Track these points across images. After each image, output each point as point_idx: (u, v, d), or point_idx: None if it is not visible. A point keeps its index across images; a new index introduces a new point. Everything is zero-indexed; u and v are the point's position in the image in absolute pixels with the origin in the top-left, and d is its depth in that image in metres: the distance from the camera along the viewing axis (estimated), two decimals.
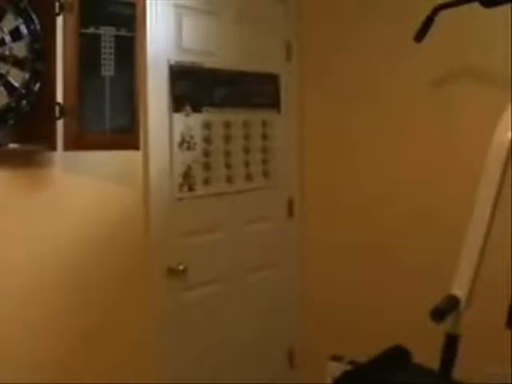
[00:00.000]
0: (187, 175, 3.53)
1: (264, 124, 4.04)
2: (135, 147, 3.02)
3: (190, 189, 3.55)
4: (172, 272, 3.44)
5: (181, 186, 3.50)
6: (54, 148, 2.79)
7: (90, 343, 3.09)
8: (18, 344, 2.81)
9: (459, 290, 2.50)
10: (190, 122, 3.53)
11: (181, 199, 3.50)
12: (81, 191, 3.01)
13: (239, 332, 3.91)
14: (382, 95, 3.90)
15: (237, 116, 3.84)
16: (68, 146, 2.84)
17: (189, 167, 3.54)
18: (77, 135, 2.84)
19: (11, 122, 2.66)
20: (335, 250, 4.11)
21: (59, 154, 2.87)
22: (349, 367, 3.02)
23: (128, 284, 3.25)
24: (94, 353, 3.11)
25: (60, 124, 2.81)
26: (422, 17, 3.20)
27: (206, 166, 3.65)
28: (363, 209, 4.01)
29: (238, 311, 3.90)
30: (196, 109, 3.57)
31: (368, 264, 3.97)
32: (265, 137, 4.05)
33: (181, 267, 3.45)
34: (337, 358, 3.14)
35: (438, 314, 2.41)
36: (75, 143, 2.85)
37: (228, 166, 3.80)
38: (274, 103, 4.11)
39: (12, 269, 2.77)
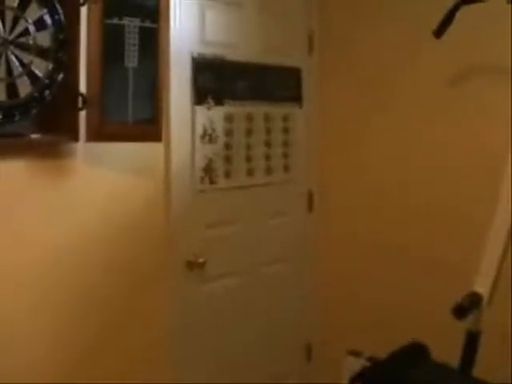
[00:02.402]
0: (208, 168, 3.52)
1: (285, 118, 4.02)
2: (157, 139, 3.03)
3: (211, 181, 3.55)
4: (191, 264, 3.44)
5: (202, 178, 3.49)
6: (76, 139, 2.79)
7: (109, 337, 3.11)
8: (33, 340, 2.82)
9: (482, 288, 2.48)
10: (212, 115, 3.52)
11: (202, 191, 3.50)
12: (102, 183, 3.01)
13: (257, 325, 3.91)
14: (402, 88, 3.84)
15: (258, 109, 3.83)
16: (90, 137, 2.84)
17: (210, 160, 3.53)
18: (99, 126, 2.85)
19: (34, 112, 2.66)
20: (354, 244, 4.08)
21: (81, 145, 2.87)
22: (367, 363, 2.99)
23: (148, 276, 3.25)
24: (113, 347, 3.12)
25: (82, 115, 2.82)
26: (443, 12, 3.17)
27: (227, 159, 3.64)
28: (383, 203, 3.97)
29: (255, 304, 3.89)
30: (218, 101, 3.56)
31: (387, 259, 3.93)
32: (286, 130, 4.03)
33: (200, 260, 3.44)
34: (355, 354, 3.12)
35: (461, 311, 2.40)
36: (97, 134, 2.85)
37: (249, 159, 3.79)
38: (295, 97, 4.09)
39: (32, 260, 2.78)
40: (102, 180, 3.01)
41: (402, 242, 3.85)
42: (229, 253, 3.69)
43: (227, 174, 3.64)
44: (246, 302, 3.83)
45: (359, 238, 4.07)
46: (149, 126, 2.96)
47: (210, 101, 3.50)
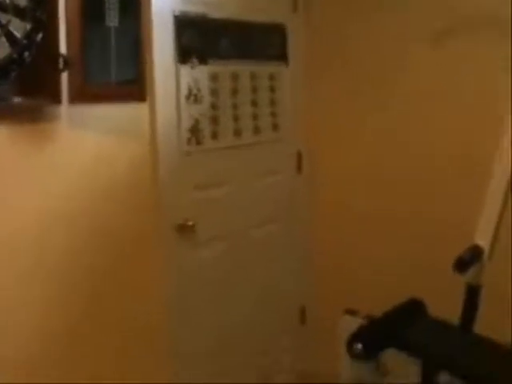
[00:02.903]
0: (195, 128, 3.44)
1: (271, 76, 3.94)
2: (141, 99, 2.95)
3: (198, 142, 3.46)
4: (181, 227, 3.37)
5: (189, 139, 3.41)
6: (58, 101, 2.70)
7: (100, 305, 3.04)
8: (24, 307, 2.75)
9: (482, 241, 2.42)
10: (196, 75, 3.43)
11: (189, 153, 3.42)
12: (87, 145, 2.92)
13: (250, 289, 3.86)
14: (389, 45, 3.77)
15: (244, 68, 3.74)
16: (73, 99, 2.75)
17: (196, 120, 3.44)
18: (81, 88, 2.76)
19: (13, 74, 2.55)
20: (345, 205, 4.03)
21: (64, 108, 2.77)
22: (364, 322, 2.94)
23: (137, 240, 3.17)
24: (104, 314, 3.06)
25: (64, 76, 2.72)
26: None
27: (214, 120, 3.56)
28: (373, 165, 3.92)
29: (248, 267, 3.84)
30: (202, 60, 3.46)
31: (380, 219, 3.90)
32: (272, 89, 3.95)
33: (190, 223, 3.38)
34: (351, 312, 3.07)
35: (462, 264, 2.35)
36: (80, 96, 2.77)
37: (236, 118, 3.71)
38: (281, 55, 4.00)
39: (17, 227, 2.69)
40: (87, 143, 2.91)
41: (394, 203, 3.81)
42: (219, 215, 3.62)
43: (214, 135, 3.56)
44: (239, 265, 3.78)
45: (349, 200, 4.02)
46: (132, 86, 2.89)
47: (194, 60, 3.41)
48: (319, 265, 4.19)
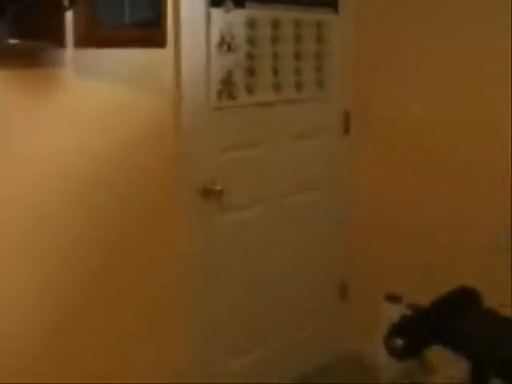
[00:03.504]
0: (227, 81, 3.05)
1: (319, 25, 3.52)
2: (161, 44, 2.56)
3: (231, 97, 3.08)
4: (207, 192, 3.02)
5: (219, 93, 3.03)
6: (62, 44, 2.34)
7: (118, 275, 2.74)
8: (34, 263, 2.45)
9: None
10: (231, 20, 3.03)
11: (219, 108, 3.04)
12: (96, 96, 2.55)
13: (285, 260, 3.51)
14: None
15: (287, 14, 3.33)
16: (79, 43, 2.40)
17: (229, 72, 3.06)
18: (90, 29, 2.41)
19: (10, 12, 2.21)
20: (395, 171, 3.66)
21: (70, 53, 2.42)
22: (407, 311, 2.58)
23: (157, 207, 2.85)
24: (124, 284, 2.76)
25: (69, 16, 2.35)
26: None
27: (250, 72, 3.17)
28: (427, 125, 3.52)
29: (282, 237, 3.48)
30: (238, 3, 3.06)
31: (431, 187, 3.52)
32: (319, 40, 3.53)
33: (218, 187, 3.01)
34: (393, 299, 2.70)
35: None
36: (88, 39, 2.41)
37: (275, 72, 3.31)
38: (330, 1, 3.56)
39: (20, 189, 2.37)
40: (96, 92, 2.55)
41: (448, 168, 3.46)
42: (252, 179, 3.27)
43: (249, 89, 3.18)
44: (272, 234, 3.43)
45: (400, 165, 3.64)
46: (150, 28, 2.50)
47: (229, 2, 3.00)
48: (362, 237, 3.81)
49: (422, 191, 3.55)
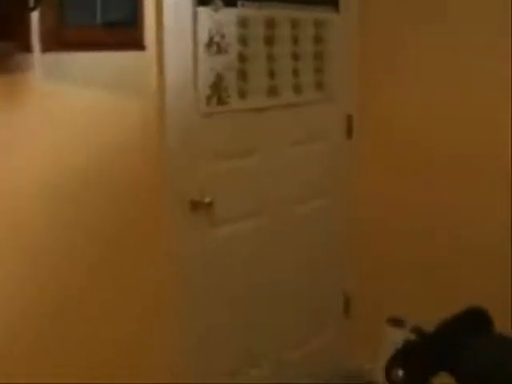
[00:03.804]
0: (217, 85, 2.84)
1: (318, 24, 3.31)
2: (138, 47, 2.34)
3: (221, 102, 2.87)
4: (196, 205, 2.80)
5: (208, 98, 2.81)
6: (28, 48, 2.13)
7: (99, 297, 2.52)
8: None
9: None
10: (220, 19, 2.82)
11: (208, 115, 2.83)
12: (72, 104, 2.33)
13: (284, 274, 3.31)
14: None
15: (283, 12, 3.11)
16: (47, 46, 2.19)
17: (219, 75, 2.84)
18: (57, 31, 2.20)
19: None
20: (402, 177, 3.47)
21: (38, 57, 2.20)
22: (411, 335, 2.36)
23: (141, 222, 2.63)
24: (105, 311, 2.54)
25: (35, 17, 2.14)
26: None
27: (242, 74, 2.96)
28: (433, 128, 3.35)
29: (280, 250, 3.27)
30: (229, 1, 2.85)
31: (439, 195, 3.34)
32: (318, 40, 3.33)
33: (206, 199, 2.80)
34: (396, 323, 2.48)
35: None
36: (56, 42, 2.21)
37: (271, 74, 3.10)
38: None
39: None
40: (71, 100, 2.33)
41: (456, 174, 3.30)
42: (245, 190, 3.06)
43: (242, 93, 2.97)
44: (270, 247, 3.22)
45: (407, 171, 3.45)
46: (126, 29, 2.28)
47: (218, 1, 2.78)
48: (365, 248, 3.62)
49: (429, 198, 3.37)
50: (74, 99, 2.35)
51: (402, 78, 3.40)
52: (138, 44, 2.33)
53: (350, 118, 3.52)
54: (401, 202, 3.45)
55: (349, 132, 3.53)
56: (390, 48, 3.41)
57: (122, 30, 2.27)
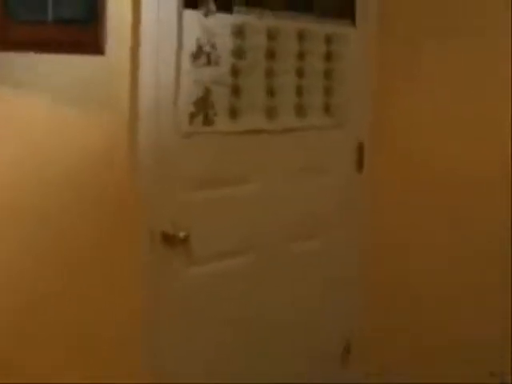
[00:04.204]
0: (203, 101, 2.47)
1: (329, 39, 2.95)
2: (95, 50, 1.97)
3: (207, 121, 2.49)
4: (169, 239, 2.42)
5: (192, 116, 2.44)
6: None
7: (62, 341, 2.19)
8: None
9: None
10: (211, 26, 2.45)
11: (189, 135, 2.46)
12: (21, 116, 1.99)
13: (276, 319, 2.91)
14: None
15: (287, 23, 2.75)
16: None
17: (207, 90, 2.47)
18: (2, 28, 1.81)
19: None
20: (413, 216, 3.13)
21: None
22: None
23: (105, 258, 2.28)
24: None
25: None
26: None
27: (235, 91, 2.59)
28: (457, 160, 3.00)
29: (267, 294, 2.87)
30: (224, 6, 2.48)
31: (452, 242, 3.03)
32: (329, 57, 2.96)
33: (181, 233, 2.42)
34: None
35: None
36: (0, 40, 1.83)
37: (270, 92, 2.73)
38: (346, 10, 3.00)
39: None
40: (20, 110, 1.99)
41: (472, 215, 3.00)
42: (232, 224, 2.68)
43: (233, 112, 2.59)
44: (259, 290, 2.83)
45: (424, 210, 3.09)
46: (81, 28, 1.91)
47: (211, 3, 2.41)
48: (373, 293, 3.27)
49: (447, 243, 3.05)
50: (22, 105, 1.99)
51: (422, 100, 3.05)
52: (94, 47, 1.95)
53: (361, 147, 3.13)
54: (417, 251, 3.13)
55: (359, 163, 3.14)
56: (409, 66, 3.07)
57: (78, 28, 1.89)
